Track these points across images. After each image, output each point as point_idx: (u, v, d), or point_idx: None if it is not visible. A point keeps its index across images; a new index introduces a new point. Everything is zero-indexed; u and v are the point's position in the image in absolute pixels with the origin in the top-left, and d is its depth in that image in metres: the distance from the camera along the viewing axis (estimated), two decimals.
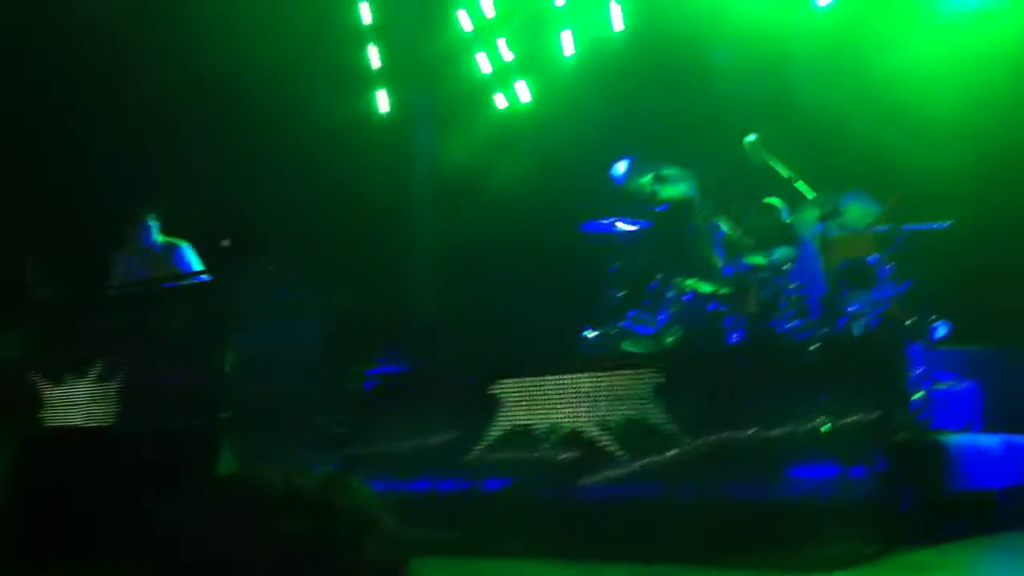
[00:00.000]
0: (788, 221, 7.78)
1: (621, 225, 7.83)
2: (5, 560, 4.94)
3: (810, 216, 7.28)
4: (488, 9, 11.21)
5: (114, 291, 8.65)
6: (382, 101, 11.90)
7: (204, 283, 8.30)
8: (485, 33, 11.37)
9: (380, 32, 11.82)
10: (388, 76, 11.90)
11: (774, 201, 7.97)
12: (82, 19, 9.79)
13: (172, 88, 10.26)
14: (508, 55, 11.35)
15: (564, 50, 10.86)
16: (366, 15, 11.76)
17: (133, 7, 10.07)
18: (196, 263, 8.77)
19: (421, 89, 11.70)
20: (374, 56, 11.83)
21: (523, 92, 11.34)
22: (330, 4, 11.48)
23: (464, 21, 11.32)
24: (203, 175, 10.23)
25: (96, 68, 10.05)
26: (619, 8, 10.49)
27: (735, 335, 7.21)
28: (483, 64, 11.43)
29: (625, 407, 6.20)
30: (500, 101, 11.45)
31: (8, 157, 9.70)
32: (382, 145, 11.71)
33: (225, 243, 8.01)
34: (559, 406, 6.42)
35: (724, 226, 7.95)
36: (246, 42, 10.31)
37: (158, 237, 8.96)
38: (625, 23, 10.48)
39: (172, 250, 8.93)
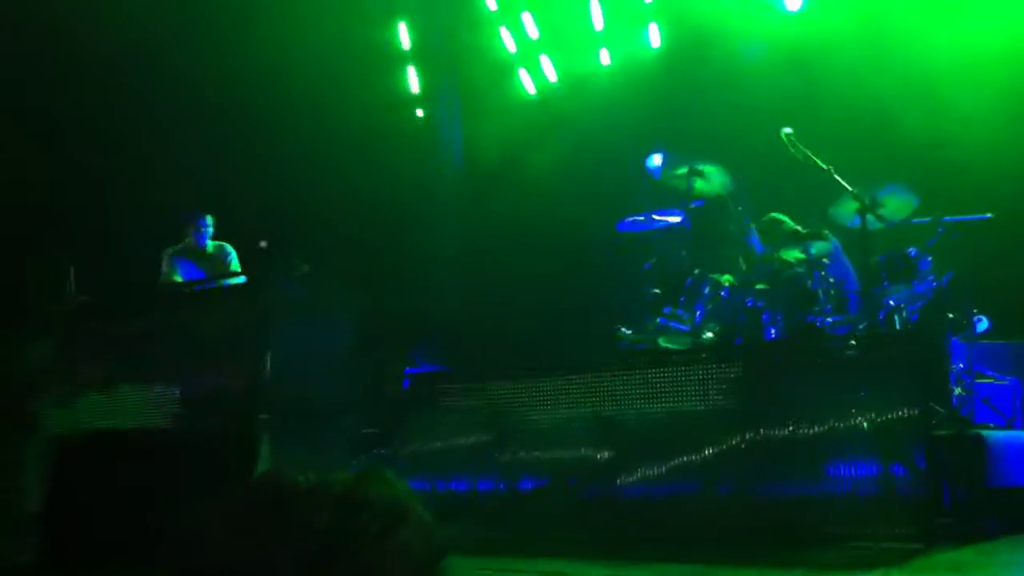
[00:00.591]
0: (826, 215, 7.71)
1: (657, 218, 7.77)
2: (37, 563, 5.00)
3: (848, 209, 7.20)
4: (532, 31, 11.30)
5: (160, 291, 8.76)
6: (413, 81, 11.93)
7: (243, 284, 8.37)
8: (512, 14, 11.42)
9: (411, 15, 11.87)
10: (418, 56, 11.92)
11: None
12: (117, 15, 9.85)
13: (205, 82, 10.32)
14: (547, 64, 11.40)
15: (600, 59, 10.91)
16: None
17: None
18: (239, 266, 8.89)
19: (450, 70, 11.72)
20: (404, 36, 11.85)
21: (550, 71, 11.37)
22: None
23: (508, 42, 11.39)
24: (232, 169, 10.29)
25: (133, 68, 10.11)
26: (657, 28, 10.53)
27: (773, 330, 7.15)
28: (527, 84, 11.49)
29: (662, 403, 6.17)
30: (528, 85, 11.48)
31: (55, 157, 9.82)
32: (412, 132, 11.71)
33: (263, 244, 8.04)
34: (595, 403, 6.39)
35: (761, 221, 7.91)
36: (274, 27, 10.34)
37: (210, 240, 9.07)
38: (661, 38, 10.51)
39: (222, 252, 9.05)
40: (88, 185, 10.04)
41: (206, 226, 9.07)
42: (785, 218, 7.80)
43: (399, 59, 11.96)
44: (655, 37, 10.62)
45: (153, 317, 7.78)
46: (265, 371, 6.99)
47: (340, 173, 10.76)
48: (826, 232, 7.58)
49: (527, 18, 11.38)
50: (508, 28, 11.47)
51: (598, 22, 10.95)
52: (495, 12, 11.44)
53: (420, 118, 12.00)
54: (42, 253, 8.33)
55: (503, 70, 11.49)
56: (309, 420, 6.90)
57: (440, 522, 1.48)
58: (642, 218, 7.77)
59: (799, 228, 7.42)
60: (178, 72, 10.20)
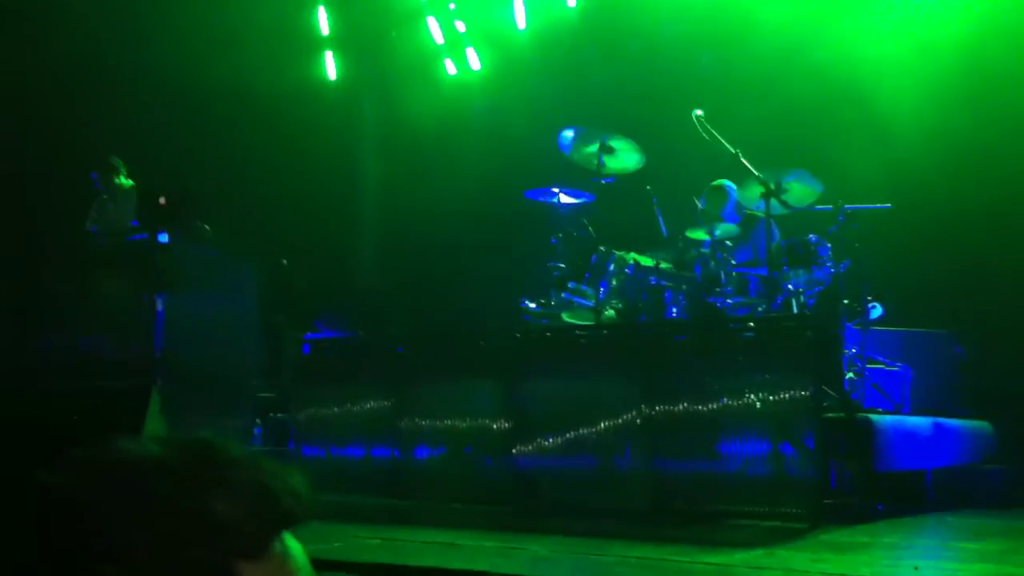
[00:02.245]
0: (732, 198, 7.80)
1: (564, 197, 7.79)
2: None
3: (753, 193, 7.28)
4: None
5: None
6: (331, 67, 11.79)
7: (141, 241, 8.15)
8: (438, 1, 11.28)
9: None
10: (337, 42, 11.78)
11: (721, 182, 7.99)
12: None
13: (123, 45, 10.06)
14: (460, 24, 11.28)
15: (517, 21, 10.79)
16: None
17: None
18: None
19: (370, 55, 11.57)
20: (324, 21, 11.71)
21: (474, 60, 11.27)
22: None
23: None
24: (149, 132, 10.05)
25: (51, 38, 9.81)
26: None
27: (675, 309, 7.21)
28: (435, 32, 11.34)
29: (562, 378, 6.19)
30: (450, 68, 11.36)
31: None
32: (330, 111, 11.59)
33: (161, 200, 7.85)
34: (494, 375, 6.39)
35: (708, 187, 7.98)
36: (196, 6, 10.15)
37: (124, 181, 8.77)
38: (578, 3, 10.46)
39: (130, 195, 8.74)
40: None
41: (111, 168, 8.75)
42: (730, 185, 7.82)
43: (319, 44, 11.79)
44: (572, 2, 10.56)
45: (47, 271, 7.57)
46: (159, 331, 6.85)
47: (253, 140, 10.59)
48: (738, 211, 7.68)
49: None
50: (435, 16, 11.33)
51: (520, 19, 10.84)
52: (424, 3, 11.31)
53: (336, 90, 11.83)
54: None
55: (426, 57, 11.37)
56: (205, 382, 6.79)
57: (315, 486, 1.44)
58: (556, 191, 7.76)
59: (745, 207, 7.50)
60: (94, 45, 9.93)
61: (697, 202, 7.95)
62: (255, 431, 7.86)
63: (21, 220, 9.17)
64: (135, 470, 1.31)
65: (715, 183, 8.01)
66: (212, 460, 1.35)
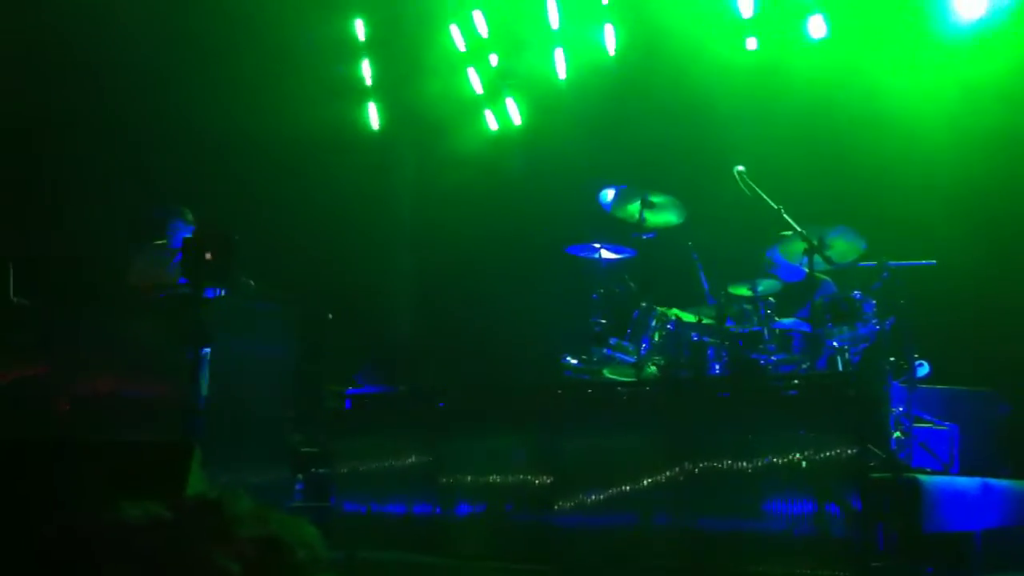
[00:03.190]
0: (774, 253, 7.76)
1: (605, 253, 7.79)
2: None
3: (796, 249, 7.25)
4: (482, 28, 11.23)
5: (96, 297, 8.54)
6: (373, 117, 11.92)
7: (183, 292, 8.19)
8: (478, 52, 11.39)
9: (373, 47, 11.85)
10: (380, 92, 11.92)
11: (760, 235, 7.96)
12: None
13: (166, 96, 10.22)
14: (500, 75, 11.38)
15: (558, 72, 10.88)
16: (360, 31, 11.79)
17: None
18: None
19: (410, 106, 11.68)
20: (367, 71, 11.86)
21: (514, 112, 11.36)
22: (325, 18, 11.48)
23: (458, 39, 11.35)
24: (191, 181, 10.17)
25: (78, 62, 9.98)
26: (613, 32, 10.53)
27: (717, 366, 7.16)
28: (475, 83, 11.44)
29: (603, 434, 6.15)
30: (491, 121, 11.46)
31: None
32: (371, 161, 11.69)
33: (207, 256, 7.92)
34: (535, 430, 6.36)
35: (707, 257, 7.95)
36: (239, 55, 10.31)
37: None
38: (617, 50, 10.51)
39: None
40: (29, 184, 9.88)
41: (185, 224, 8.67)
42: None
43: (361, 94, 11.94)
44: (611, 45, 10.62)
45: (90, 321, 7.64)
46: (203, 383, 6.89)
47: (292, 190, 10.69)
48: (826, 277, 7.63)
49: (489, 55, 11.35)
50: (475, 67, 11.45)
51: (561, 70, 10.94)
52: (464, 52, 11.43)
53: (377, 140, 11.94)
54: None
55: (466, 107, 11.47)
56: (246, 436, 6.80)
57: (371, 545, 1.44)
58: (597, 246, 7.78)
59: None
60: (128, 78, 10.10)
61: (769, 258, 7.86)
62: (296, 486, 7.86)
63: (59, 265, 9.29)
64: (134, 532, 1.32)
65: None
66: (218, 517, 1.36)
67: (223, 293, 7.36)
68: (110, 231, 9.27)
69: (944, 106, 8.52)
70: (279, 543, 1.36)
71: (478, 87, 11.43)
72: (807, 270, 7.17)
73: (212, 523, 1.35)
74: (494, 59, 11.34)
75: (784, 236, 7.43)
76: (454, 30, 11.31)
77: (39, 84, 9.81)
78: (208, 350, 6.93)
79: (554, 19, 10.89)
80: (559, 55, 10.88)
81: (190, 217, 8.60)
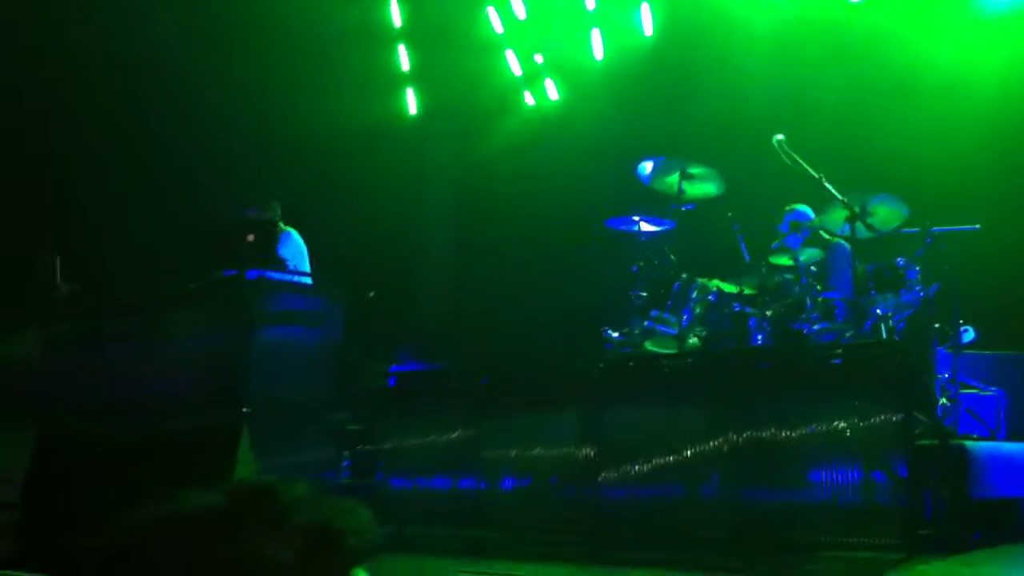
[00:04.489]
0: (816, 222, 7.70)
1: (645, 225, 7.77)
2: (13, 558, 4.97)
3: (838, 217, 7.20)
4: (519, 10, 11.22)
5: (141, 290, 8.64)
6: (411, 102, 11.95)
7: (229, 279, 8.29)
8: (515, 34, 11.38)
9: (410, 33, 11.87)
10: (417, 77, 11.94)
11: (800, 206, 7.92)
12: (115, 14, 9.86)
13: (208, 87, 10.30)
14: (538, 56, 11.37)
15: (594, 51, 10.85)
16: (396, 17, 11.81)
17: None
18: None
19: (448, 89, 11.70)
20: (404, 57, 11.88)
21: (552, 91, 11.36)
22: (360, 5, 11.50)
23: (495, 22, 11.35)
24: (232, 167, 10.27)
25: (122, 62, 10.09)
26: (649, 11, 10.48)
27: (760, 336, 7.14)
28: (513, 65, 11.44)
29: (647, 406, 6.15)
30: (528, 99, 11.46)
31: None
32: (409, 144, 11.73)
33: (249, 237, 8.01)
34: (578, 404, 6.38)
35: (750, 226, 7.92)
36: (277, 43, 10.37)
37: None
38: (654, 26, 10.47)
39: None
40: (77, 176, 10.02)
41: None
42: (810, 212, 7.77)
43: (399, 79, 11.96)
44: (648, 26, 10.57)
45: (138, 311, 7.73)
46: (247, 366, 6.96)
47: (332, 173, 10.76)
48: (838, 239, 7.58)
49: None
50: (513, 49, 11.44)
51: (598, 50, 10.91)
52: (501, 35, 11.42)
53: (415, 124, 11.97)
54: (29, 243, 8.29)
55: (505, 89, 11.47)
56: (293, 416, 6.88)
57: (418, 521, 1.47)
58: (637, 219, 7.76)
59: (821, 231, 7.39)
60: (172, 76, 10.19)
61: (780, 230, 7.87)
62: (344, 463, 7.93)
63: (106, 259, 9.43)
64: (186, 522, 1.35)
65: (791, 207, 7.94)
66: (271, 504, 1.39)
67: (267, 275, 7.43)
68: (151, 222, 9.39)
69: (986, 68, 8.41)
70: (330, 530, 1.39)
71: (516, 69, 11.43)
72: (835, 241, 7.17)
73: (266, 511, 1.38)
74: (532, 44, 11.34)
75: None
76: (491, 12, 11.30)
77: (77, 80, 9.94)
78: (253, 333, 7.01)
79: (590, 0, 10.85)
80: (596, 35, 10.85)
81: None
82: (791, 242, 7.61)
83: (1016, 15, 8.54)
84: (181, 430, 5.51)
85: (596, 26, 10.88)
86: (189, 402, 6.86)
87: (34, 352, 7.85)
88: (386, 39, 11.82)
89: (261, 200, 8.55)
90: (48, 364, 7.74)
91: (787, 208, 7.95)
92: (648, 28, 10.52)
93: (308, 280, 8.03)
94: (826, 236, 7.52)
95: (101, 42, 9.93)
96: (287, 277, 7.77)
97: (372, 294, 9.12)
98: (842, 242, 7.60)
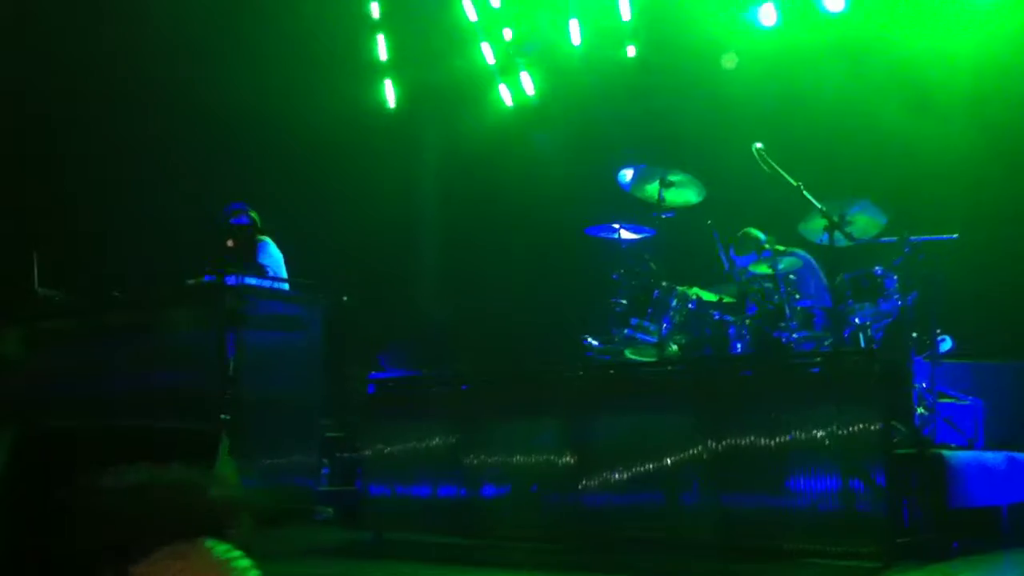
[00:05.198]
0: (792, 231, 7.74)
1: (625, 233, 7.79)
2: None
3: (816, 226, 7.23)
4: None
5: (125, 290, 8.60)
6: (390, 94, 11.90)
7: (211, 282, 8.26)
8: (491, 24, 11.33)
9: (388, 23, 11.83)
10: (395, 68, 11.89)
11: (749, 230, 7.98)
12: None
13: (180, 83, 10.26)
14: (514, 47, 11.33)
15: (572, 40, 10.80)
16: (375, 7, 11.78)
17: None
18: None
19: (426, 82, 11.65)
20: (382, 47, 11.83)
21: (528, 85, 11.30)
22: None
23: (470, 11, 11.30)
24: (209, 165, 10.23)
25: (116, 70, 10.06)
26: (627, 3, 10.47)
27: (739, 344, 7.17)
28: (488, 56, 11.38)
29: (627, 414, 6.17)
30: (506, 96, 11.41)
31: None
32: (389, 139, 11.68)
33: (229, 243, 7.98)
34: (559, 412, 6.39)
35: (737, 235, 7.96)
36: (253, 34, 10.32)
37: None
38: (635, 34, 10.46)
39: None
40: (53, 177, 9.96)
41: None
42: (760, 234, 7.84)
43: (377, 70, 11.92)
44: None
45: (121, 313, 7.70)
46: (227, 369, 6.94)
47: (312, 178, 10.74)
48: (798, 250, 7.63)
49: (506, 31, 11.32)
50: (488, 40, 11.40)
51: (575, 36, 10.88)
52: (476, 23, 11.38)
53: (395, 122, 11.94)
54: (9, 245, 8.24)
55: (482, 82, 11.44)
56: (272, 420, 6.86)
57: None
58: (617, 227, 7.78)
59: (776, 246, 7.43)
60: (147, 72, 10.16)
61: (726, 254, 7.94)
62: (323, 470, 7.92)
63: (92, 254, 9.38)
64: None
65: (744, 232, 8.00)
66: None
67: (247, 280, 7.41)
68: (133, 219, 9.34)
69: (965, 77, 8.46)
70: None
71: (491, 60, 11.37)
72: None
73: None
74: (507, 32, 11.29)
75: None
76: (466, 2, 11.26)
77: (59, 72, 9.88)
78: (234, 336, 6.98)
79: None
80: (574, 26, 10.80)
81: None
82: (743, 262, 7.71)
83: (995, 23, 8.59)
84: (160, 430, 5.48)
85: (574, 16, 10.82)
86: (168, 403, 6.84)
87: (14, 351, 7.81)
88: (365, 29, 11.78)
89: (237, 203, 8.53)
90: (27, 363, 7.71)
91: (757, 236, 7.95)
92: (626, 14, 10.50)
93: (286, 287, 8.00)
94: (781, 248, 7.51)
95: (75, 39, 9.87)
96: (267, 283, 7.75)
97: (345, 299, 9.10)
98: (801, 252, 7.64)
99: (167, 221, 9.45)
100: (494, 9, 11.26)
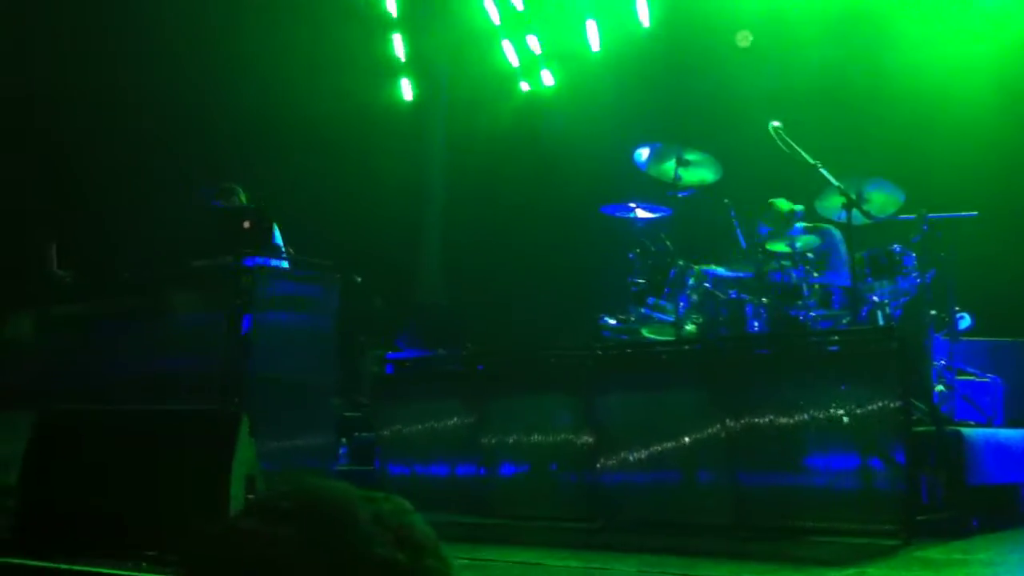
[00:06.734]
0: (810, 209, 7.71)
1: (641, 212, 7.76)
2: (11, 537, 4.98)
3: (834, 203, 7.20)
4: (517, 1, 11.20)
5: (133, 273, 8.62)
6: (406, 90, 11.92)
7: (227, 263, 8.28)
8: (513, 25, 11.35)
9: (406, 22, 11.84)
10: (413, 65, 11.91)
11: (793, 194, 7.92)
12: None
13: (203, 73, 10.29)
14: (535, 46, 11.35)
15: (590, 38, 10.83)
16: (392, 5, 11.78)
17: None
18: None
19: (444, 78, 11.67)
20: (399, 46, 11.85)
21: (548, 78, 11.35)
22: None
23: (492, 12, 11.32)
24: (228, 154, 10.25)
25: (130, 64, 10.08)
26: (647, 10, 10.48)
27: (756, 323, 7.15)
28: (510, 55, 11.42)
29: (643, 392, 6.17)
30: (524, 86, 11.44)
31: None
32: (405, 130, 11.72)
33: (246, 224, 7.98)
34: (576, 391, 6.39)
35: (747, 213, 7.91)
36: (272, 30, 10.35)
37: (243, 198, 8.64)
38: (650, 11, 10.44)
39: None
40: (74, 162, 10.01)
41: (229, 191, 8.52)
42: (791, 205, 7.76)
43: (395, 68, 11.93)
44: (645, 19, 10.55)
45: (135, 295, 7.72)
46: (244, 351, 6.96)
47: (330, 162, 10.76)
48: (827, 226, 7.59)
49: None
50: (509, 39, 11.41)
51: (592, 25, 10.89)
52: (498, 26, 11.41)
53: (411, 111, 11.95)
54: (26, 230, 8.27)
55: (501, 78, 11.44)
56: (290, 402, 6.88)
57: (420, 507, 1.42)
58: (633, 206, 7.75)
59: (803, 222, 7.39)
60: (164, 63, 10.18)
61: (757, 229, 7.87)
62: (340, 450, 7.94)
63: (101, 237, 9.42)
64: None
65: (771, 202, 7.93)
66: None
67: (263, 262, 7.42)
68: (149, 206, 9.37)
69: (984, 54, 8.41)
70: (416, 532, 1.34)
71: (513, 59, 11.40)
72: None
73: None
74: (527, 30, 11.32)
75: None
76: (488, 3, 11.27)
77: (72, 64, 9.91)
78: (250, 318, 7.00)
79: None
80: (591, 26, 10.82)
81: (233, 187, 8.58)
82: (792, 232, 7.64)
83: (1016, 2, 8.52)
84: (181, 412, 5.51)
85: (592, 13, 10.85)
86: (189, 385, 6.86)
87: (32, 334, 7.86)
88: (382, 27, 11.80)
89: (223, 185, 8.58)
90: (46, 346, 7.75)
91: (782, 208, 7.89)
92: (645, 19, 10.50)
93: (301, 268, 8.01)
94: (810, 226, 7.49)
95: (93, 27, 9.91)
96: (284, 264, 7.77)
97: (359, 279, 9.09)
98: (831, 228, 7.61)
99: (179, 210, 9.47)
100: (516, 11, 11.28)
